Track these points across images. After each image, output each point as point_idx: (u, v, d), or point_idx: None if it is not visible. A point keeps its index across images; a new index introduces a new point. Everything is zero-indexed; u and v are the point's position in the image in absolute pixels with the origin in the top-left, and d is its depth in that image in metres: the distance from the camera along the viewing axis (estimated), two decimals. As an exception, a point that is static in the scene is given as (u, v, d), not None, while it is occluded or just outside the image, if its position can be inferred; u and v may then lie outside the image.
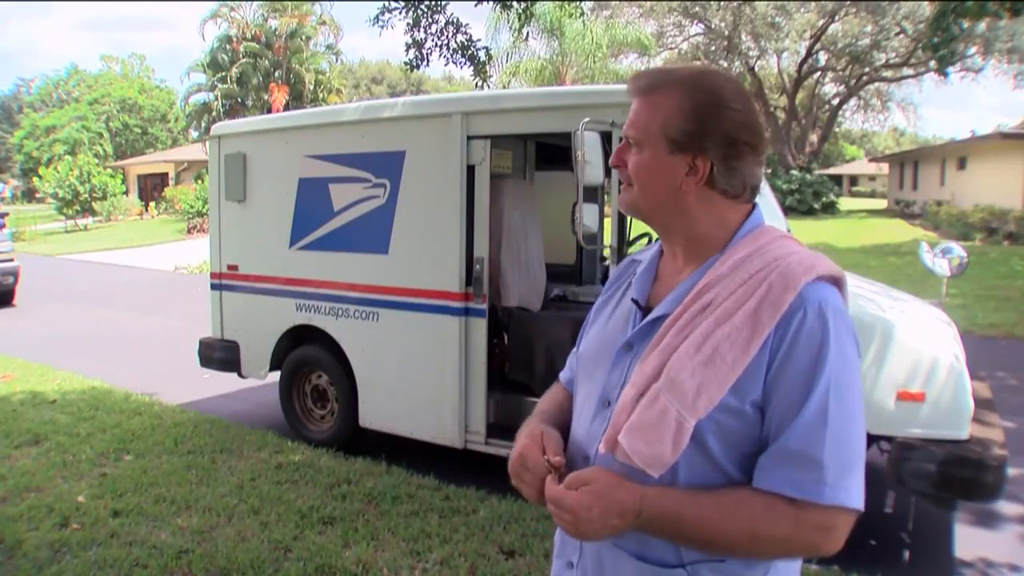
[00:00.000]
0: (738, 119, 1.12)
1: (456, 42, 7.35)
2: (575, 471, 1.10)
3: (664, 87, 1.14)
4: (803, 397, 1.02)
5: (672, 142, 1.12)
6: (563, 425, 1.28)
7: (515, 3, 7.63)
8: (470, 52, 7.41)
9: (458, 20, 7.33)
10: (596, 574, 1.17)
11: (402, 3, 7.12)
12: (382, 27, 7.14)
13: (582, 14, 13.44)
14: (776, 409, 1.04)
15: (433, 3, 7.18)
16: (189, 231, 24.85)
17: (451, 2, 7.26)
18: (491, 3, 7.61)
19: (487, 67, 7.76)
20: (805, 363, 1.02)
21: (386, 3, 7.11)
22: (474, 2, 7.21)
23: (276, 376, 5.34)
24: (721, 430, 1.05)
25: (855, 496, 1.02)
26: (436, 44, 7.34)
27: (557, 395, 1.40)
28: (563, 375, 1.43)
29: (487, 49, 7.80)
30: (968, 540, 3.82)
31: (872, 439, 3.45)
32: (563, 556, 1.26)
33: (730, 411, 1.04)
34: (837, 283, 1.10)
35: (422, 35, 7.31)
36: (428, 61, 7.44)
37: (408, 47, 7.37)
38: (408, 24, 7.25)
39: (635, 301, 1.21)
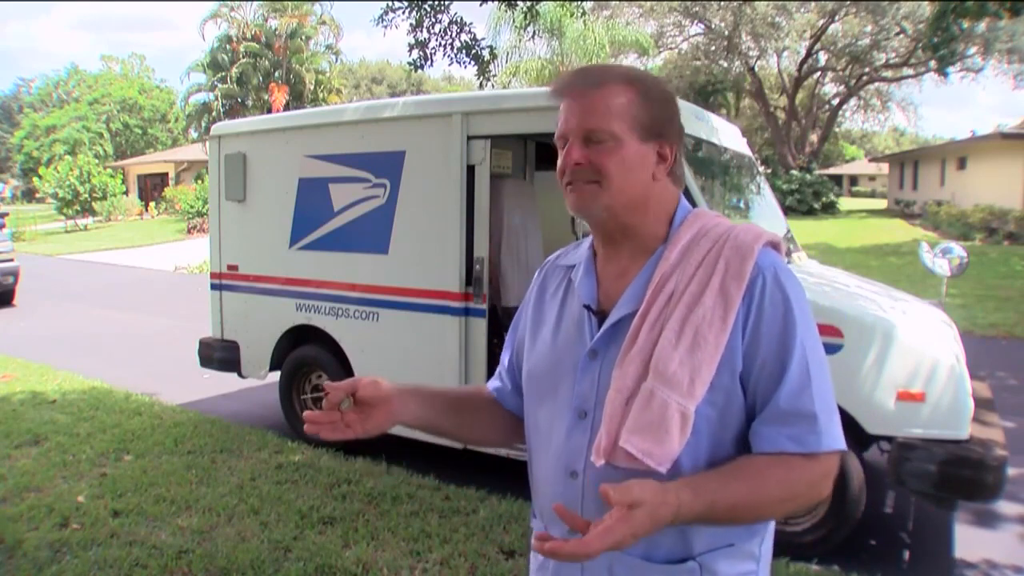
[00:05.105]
0: (677, 110, 1.18)
1: (460, 41, 7.34)
2: (613, 487, 0.95)
3: (609, 81, 1.12)
4: (784, 359, 1.06)
5: (643, 129, 1.11)
6: (442, 402, 1.28)
7: (520, 2, 7.62)
8: (474, 51, 7.39)
9: (462, 19, 7.31)
10: None
11: (405, 3, 7.11)
12: (386, 27, 7.14)
13: (583, 14, 13.41)
14: (760, 375, 1.07)
15: (436, 3, 7.17)
16: (189, 231, 24.85)
17: (455, 1, 7.24)
18: (495, 2, 7.60)
19: (490, 66, 7.73)
20: (777, 326, 1.07)
21: (389, 3, 7.10)
22: (479, 2, 7.20)
23: (276, 376, 5.35)
24: (715, 408, 1.07)
25: (840, 438, 1.07)
26: (440, 44, 7.33)
27: (476, 388, 1.40)
28: (491, 383, 1.39)
29: (491, 48, 7.78)
30: (968, 540, 3.82)
31: (872, 439, 3.46)
32: None
33: (721, 388, 1.06)
34: (776, 247, 1.15)
35: (425, 35, 7.30)
36: (432, 61, 7.43)
37: (411, 47, 7.36)
38: (411, 24, 7.25)
39: (587, 307, 1.17)
